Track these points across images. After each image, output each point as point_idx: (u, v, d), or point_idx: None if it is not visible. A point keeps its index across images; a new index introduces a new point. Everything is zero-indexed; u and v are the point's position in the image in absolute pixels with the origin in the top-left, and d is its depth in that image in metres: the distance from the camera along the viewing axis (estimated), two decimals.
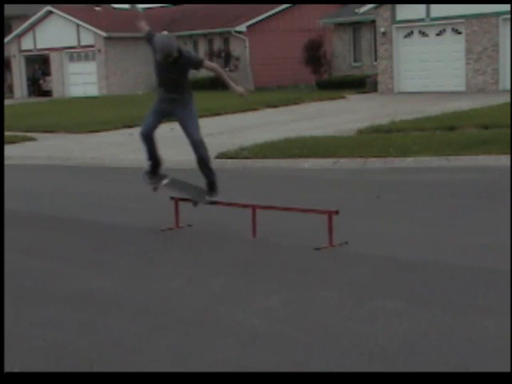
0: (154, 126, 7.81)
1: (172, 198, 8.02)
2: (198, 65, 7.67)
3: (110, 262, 6.74)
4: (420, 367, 3.99)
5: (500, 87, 25.37)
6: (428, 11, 26.59)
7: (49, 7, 40.55)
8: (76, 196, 10.68)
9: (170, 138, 17.56)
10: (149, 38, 7.81)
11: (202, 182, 8.00)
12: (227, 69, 36.84)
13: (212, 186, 7.89)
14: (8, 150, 16.45)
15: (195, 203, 7.96)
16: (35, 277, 6.34)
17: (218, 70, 7.96)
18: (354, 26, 33.31)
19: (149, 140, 7.83)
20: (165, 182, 8.09)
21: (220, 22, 37.35)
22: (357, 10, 29.89)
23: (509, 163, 10.71)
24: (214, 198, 7.87)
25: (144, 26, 7.99)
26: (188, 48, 8.00)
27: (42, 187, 11.95)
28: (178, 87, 7.67)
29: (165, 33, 7.83)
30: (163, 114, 7.86)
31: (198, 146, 7.72)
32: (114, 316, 5.16)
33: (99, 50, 39.23)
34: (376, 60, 29.57)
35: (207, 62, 7.88)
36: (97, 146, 16.99)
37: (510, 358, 4.00)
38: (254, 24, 36.67)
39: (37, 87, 43.53)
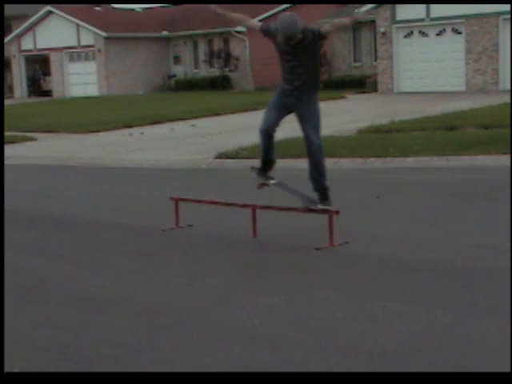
0: (276, 123, 7.12)
1: (172, 198, 8.01)
2: (321, 38, 6.83)
3: (110, 262, 6.74)
4: (420, 367, 3.99)
5: (500, 87, 25.37)
6: (428, 11, 26.60)
7: (49, 7, 40.57)
8: (76, 196, 10.67)
9: (170, 138, 17.60)
10: (266, 30, 7.05)
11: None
12: (227, 69, 36.87)
13: (324, 194, 7.09)
14: (8, 150, 16.45)
15: (306, 209, 7.16)
16: (35, 277, 6.34)
17: (337, 25, 7.12)
18: (354, 25, 33.27)
19: (269, 138, 7.18)
20: (273, 182, 7.53)
21: (220, 21, 37.28)
22: (357, 10, 29.87)
23: (509, 163, 10.71)
24: (327, 207, 7.01)
25: (239, 17, 7.32)
26: (310, 26, 7.51)
27: (42, 187, 11.94)
28: (302, 78, 6.91)
29: (287, 14, 6.82)
30: (286, 109, 7.09)
31: (315, 150, 6.98)
32: (114, 316, 5.16)
33: (99, 50, 39.22)
34: (376, 60, 29.58)
35: (330, 28, 6.94)
36: (97, 146, 16.98)
37: (510, 358, 4.00)
38: None
39: (37, 87, 43.54)
